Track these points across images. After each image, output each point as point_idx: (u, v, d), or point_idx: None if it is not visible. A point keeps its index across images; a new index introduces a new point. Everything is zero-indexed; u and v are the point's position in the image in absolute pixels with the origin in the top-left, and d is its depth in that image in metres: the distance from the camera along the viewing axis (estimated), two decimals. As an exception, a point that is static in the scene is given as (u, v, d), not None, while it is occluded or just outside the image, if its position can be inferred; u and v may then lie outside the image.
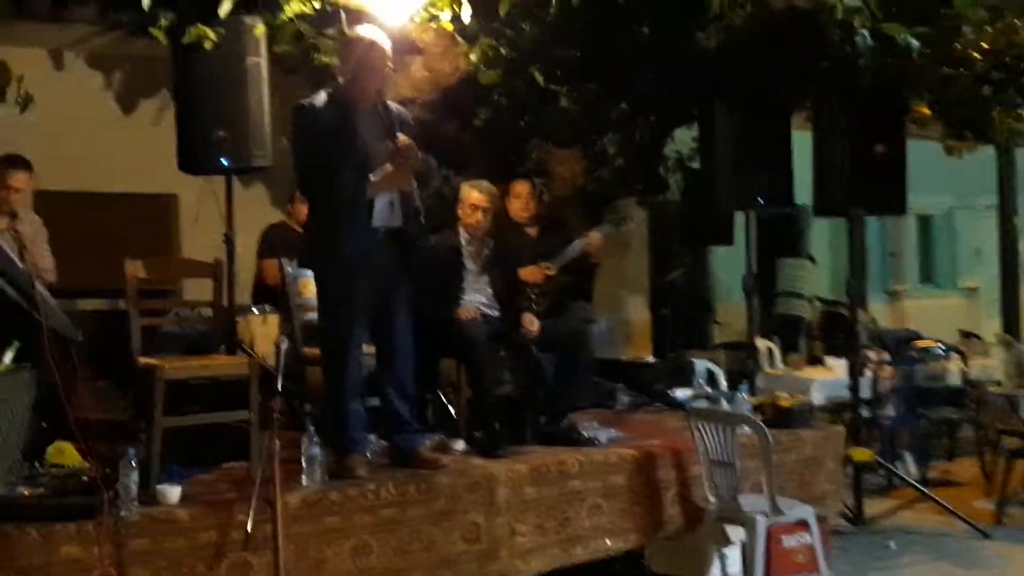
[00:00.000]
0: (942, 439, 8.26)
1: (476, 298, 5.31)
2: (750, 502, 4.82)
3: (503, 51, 5.65)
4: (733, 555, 5.04)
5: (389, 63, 4.51)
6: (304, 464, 4.23)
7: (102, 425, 4.62)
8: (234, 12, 5.16)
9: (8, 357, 3.84)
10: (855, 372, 6.69)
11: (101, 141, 7.19)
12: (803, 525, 4.86)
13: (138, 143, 6.98)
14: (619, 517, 4.88)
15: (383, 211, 4.42)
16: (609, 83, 6.51)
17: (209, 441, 4.60)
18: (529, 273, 6.24)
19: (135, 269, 4.60)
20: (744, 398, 5.62)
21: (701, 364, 7.79)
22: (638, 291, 11.47)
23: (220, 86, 5.40)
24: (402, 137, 4.38)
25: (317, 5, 5.19)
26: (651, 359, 7.63)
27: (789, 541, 4.84)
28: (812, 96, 6.61)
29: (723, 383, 7.24)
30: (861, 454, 6.46)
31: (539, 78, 6.04)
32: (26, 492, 3.70)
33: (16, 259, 3.92)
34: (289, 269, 5.17)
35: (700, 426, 4.88)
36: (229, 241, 5.56)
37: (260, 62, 5.45)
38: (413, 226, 4.53)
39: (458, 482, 4.42)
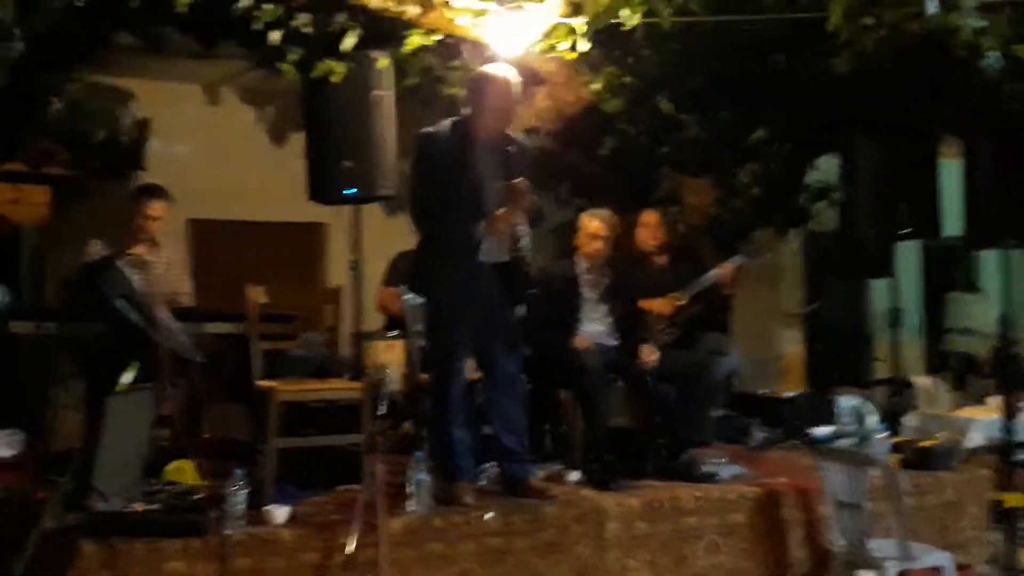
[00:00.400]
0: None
1: (594, 328, 5.24)
2: (880, 546, 4.54)
3: (626, 80, 5.55)
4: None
5: (517, 102, 4.52)
6: (410, 489, 4.23)
7: (222, 445, 4.78)
8: (359, 46, 5.26)
9: (127, 377, 3.98)
10: (1009, 411, 6.25)
11: (254, 172, 7.47)
12: (937, 572, 4.55)
13: (288, 174, 7.18)
14: (739, 557, 4.69)
15: (491, 247, 4.42)
16: (741, 111, 6.34)
17: (325, 464, 4.66)
18: (657, 304, 6.13)
19: (256, 294, 4.73)
20: (882, 438, 5.32)
21: (847, 401, 7.45)
22: (792, 324, 11.14)
23: (347, 118, 5.51)
24: (518, 180, 4.36)
25: (438, 37, 5.22)
26: (791, 394, 7.32)
27: (926, 588, 4.57)
28: (958, 123, 6.27)
29: (871, 421, 6.90)
30: (1014, 499, 6.02)
31: (666, 106, 5.93)
32: (139, 508, 3.81)
33: (135, 283, 4.04)
34: (407, 296, 5.20)
35: (827, 465, 4.65)
36: (355, 268, 5.65)
37: (386, 95, 5.55)
38: (518, 259, 4.50)
39: (565, 513, 4.34)
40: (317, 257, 7.85)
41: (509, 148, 4.49)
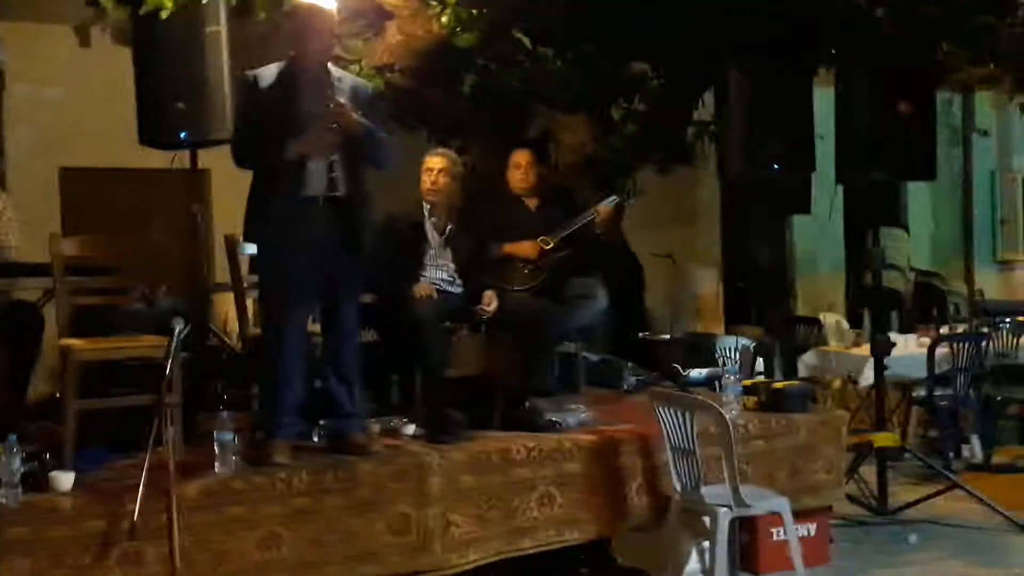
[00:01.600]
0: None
1: (436, 275, 5.04)
2: (714, 493, 4.42)
3: (475, 12, 5.28)
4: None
5: (332, 28, 4.29)
6: (216, 450, 4.04)
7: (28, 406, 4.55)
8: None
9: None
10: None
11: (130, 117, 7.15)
12: (776, 518, 4.46)
13: None
14: (575, 507, 4.56)
15: (318, 179, 4.18)
16: (608, 44, 6.09)
17: (137, 425, 4.44)
18: (522, 247, 5.96)
19: (64, 246, 4.47)
20: (734, 379, 5.19)
21: (729, 341, 7.35)
22: (709, 264, 11.02)
23: (179, 56, 5.22)
24: (340, 102, 4.13)
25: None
26: (667, 336, 7.19)
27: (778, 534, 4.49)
28: (832, 49, 6.07)
29: (745, 362, 6.80)
30: (884, 439, 5.95)
31: (524, 40, 5.67)
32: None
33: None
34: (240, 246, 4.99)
35: (661, 410, 4.51)
36: (195, 218, 5.41)
37: (220, 30, 5.25)
38: (361, 194, 4.28)
39: (382, 470, 4.16)
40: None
41: (331, 76, 4.26)
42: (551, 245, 6.03)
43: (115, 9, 5.11)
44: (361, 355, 4.42)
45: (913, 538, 5.57)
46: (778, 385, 5.24)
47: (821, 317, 9.09)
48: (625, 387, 6.32)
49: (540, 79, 5.99)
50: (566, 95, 6.21)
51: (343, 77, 4.35)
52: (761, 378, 5.59)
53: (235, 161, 4.28)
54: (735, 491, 4.31)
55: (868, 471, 6.04)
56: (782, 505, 4.49)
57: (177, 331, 3.78)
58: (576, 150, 6.64)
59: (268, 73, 4.27)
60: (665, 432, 4.51)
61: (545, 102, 6.39)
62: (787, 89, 6.06)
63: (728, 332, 9.38)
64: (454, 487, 4.28)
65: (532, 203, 6.22)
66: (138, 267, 5.33)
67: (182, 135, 5.21)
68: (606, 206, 6.17)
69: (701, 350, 6.96)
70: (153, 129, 5.32)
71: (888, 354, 6.16)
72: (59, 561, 3.61)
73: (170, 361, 3.72)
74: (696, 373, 6.37)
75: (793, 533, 4.47)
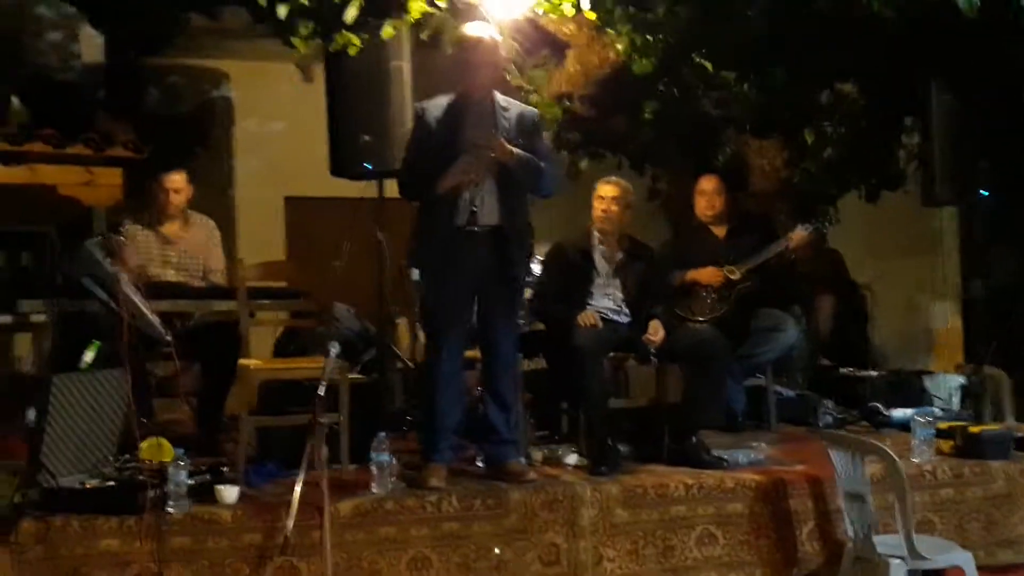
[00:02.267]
0: None
1: (602, 303, 4.97)
2: (888, 542, 4.12)
3: (650, 38, 5.21)
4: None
5: (498, 60, 4.36)
6: (374, 471, 4.14)
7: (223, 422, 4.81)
8: (370, 16, 5.16)
9: (89, 356, 4.05)
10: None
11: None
12: (957, 572, 4.11)
13: None
14: (739, 549, 4.36)
15: (464, 209, 4.24)
16: (801, 67, 5.86)
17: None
18: (705, 275, 5.82)
19: (247, 271, 4.72)
20: (927, 421, 4.84)
21: (942, 380, 6.86)
22: (946, 297, 10.40)
23: (365, 91, 5.45)
24: (495, 134, 4.20)
25: (442, 4, 5.04)
26: (873, 373, 6.78)
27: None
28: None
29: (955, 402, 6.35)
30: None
31: (706, 65, 5.55)
32: (88, 484, 3.87)
33: (103, 262, 4.11)
34: (412, 272, 5.11)
35: (833, 452, 4.26)
36: (382, 244, 5.60)
37: (403, 65, 5.44)
38: (515, 224, 4.32)
39: (533, 498, 4.13)
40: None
41: (503, 112, 4.32)
42: (738, 275, 5.85)
43: (305, 47, 5.34)
44: (522, 383, 4.42)
45: None
46: (975, 429, 4.84)
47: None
48: (820, 425, 6.04)
49: (726, 104, 5.81)
50: (755, 119, 6.00)
51: (510, 106, 4.39)
52: (962, 421, 5.16)
53: (400, 191, 4.40)
54: (909, 541, 4.00)
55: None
56: (965, 560, 4.13)
57: (333, 353, 3.90)
58: (769, 176, 6.42)
59: (437, 105, 4.37)
60: (837, 475, 4.25)
61: (735, 127, 6.20)
62: (994, 108, 5.63)
63: (959, 370, 8.78)
64: (607, 521, 4.19)
65: (719, 231, 6.06)
66: (325, 292, 5.58)
67: (368, 165, 5.42)
68: (799, 234, 5.93)
69: (909, 388, 6.54)
70: (342, 160, 5.58)
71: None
72: (218, 572, 3.79)
73: (324, 382, 3.83)
74: (899, 413, 6.01)
75: (981, 591, 4.10)
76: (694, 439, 4.72)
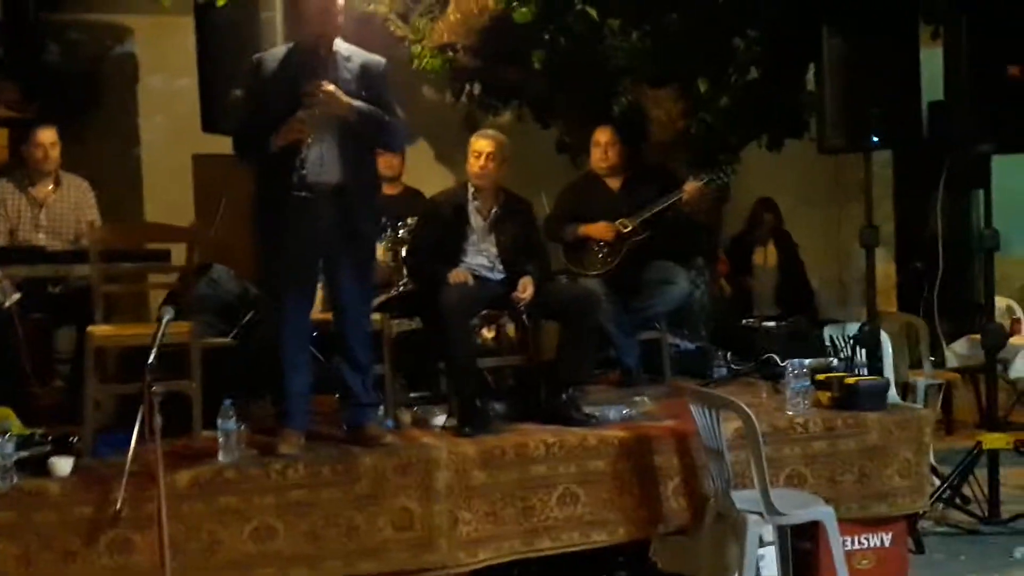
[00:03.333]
0: None
1: (476, 260, 4.84)
2: (746, 497, 4.05)
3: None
4: (769, 556, 4.29)
5: (333, 7, 4.14)
6: (220, 438, 4.02)
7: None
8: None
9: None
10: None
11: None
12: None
13: None
14: (602, 508, 4.28)
15: (313, 164, 4.06)
16: (695, 14, 5.68)
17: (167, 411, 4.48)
18: (597, 229, 5.72)
19: (100, 233, 4.56)
20: (799, 370, 4.76)
21: (842, 329, 6.78)
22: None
23: (236, 44, 5.26)
24: (325, 84, 4.00)
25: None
26: (770, 324, 6.69)
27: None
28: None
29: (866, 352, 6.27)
30: (995, 440, 5.34)
31: (591, 12, 5.37)
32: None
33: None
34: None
35: (694, 407, 4.17)
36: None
37: (274, 15, 5.26)
38: (360, 180, 4.16)
39: (385, 463, 4.02)
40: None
41: (345, 61, 4.14)
42: (630, 228, 5.75)
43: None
44: (393, 342, 4.30)
45: (1020, 552, 4.96)
46: (851, 380, 4.76)
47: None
48: (714, 377, 5.96)
49: (614, 53, 5.64)
50: (649, 69, 5.84)
51: (353, 55, 4.18)
52: (839, 372, 5.08)
53: (234, 150, 4.22)
54: (765, 496, 3.93)
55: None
56: (826, 514, 4.07)
57: (165, 319, 3.75)
58: (667, 126, 6.28)
59: (274, 56, 4.18)
60: (697, 431, 4.17)
61: (632, 77, 6.03)
62: (887, 52, 5.47)
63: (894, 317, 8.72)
64: (463, 483, 4.10)
65: (614, 183, 5.95)
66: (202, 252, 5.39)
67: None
68: (692, 185, 5.82)
69: (808, 339, 6.45)
70: (214, 116, 5.40)
71: (1002, 346, 5.51)
72: (47, 546, 3.66)
73: (155, 348, 3.69)
74: (795, 363, 5.93)
75: (838, 544, 4.04)
76: (565, 396, 4.61)
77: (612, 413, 4.65)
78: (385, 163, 6.29)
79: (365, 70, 4.17)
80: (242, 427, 4.06)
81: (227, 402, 4.06)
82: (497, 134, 4.93)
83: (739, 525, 3.99)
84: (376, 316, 4.60)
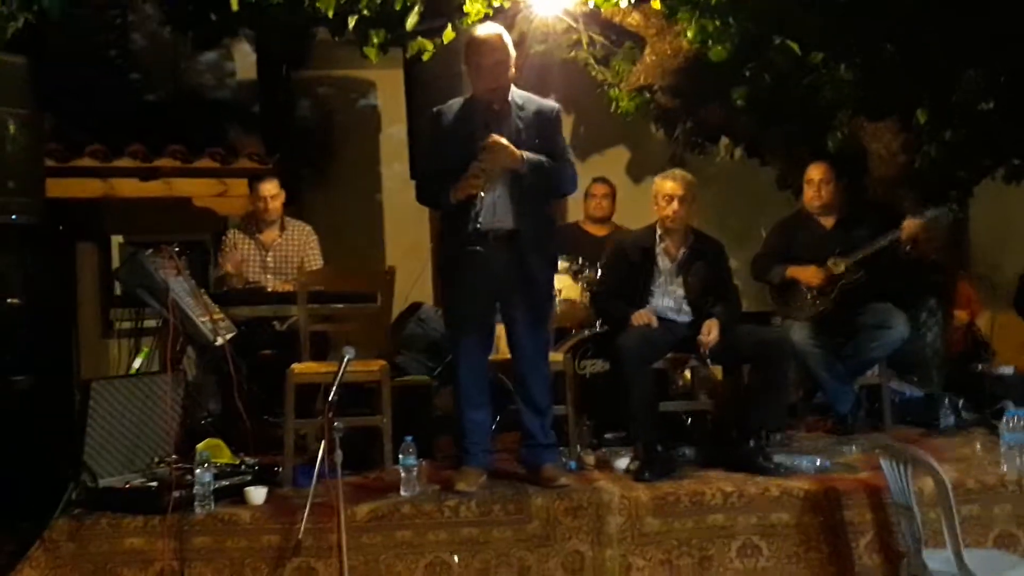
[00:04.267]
0: None
1: (663, 302, 4.78)
2: (939, 557, 3.75)
3: (719, 24, 4.94)
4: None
5: (504, 59, 4.24)
6: (401, 473, 4.17)
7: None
8: (424, 21, 5.19)
9: (138, 361, 4.29)
10: None
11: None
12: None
13: None
14: (787, 562, 4.10)
15: (487, 212, 4.18)
16: (910, 45, 5.38)
17: (367, 445, 4.69)
18: (805, 273, 5.51)
19: (305, 277, 4.86)
20: (1017, 422, 4.37)
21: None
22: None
23: (441, 95, 5.47)
24: (497, 138, 4.11)
25: (497, 4, 4.98)
26: (1008, 370, 6.14)
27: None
28: None
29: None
30: None
31: (793, 47, 5.21)
32: (126, 484, 4.09)
33: (155, 273, 4.34)
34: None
35: (884, 463, 3.92)
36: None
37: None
38: (532, 227, 4.24)
39: (555, 505, 4.04)
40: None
41: (521, 110, 4.25)
42: (842, 268, 5.49)
43: (377, 57, 5.40)
44: (550, 384, 4.34)
45: None
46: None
47: None
48: (941, 427, 5.58)
49: (822, 86, 5.43)
50: (858, 102, 5.57)
51: (527, 103, 4.27)
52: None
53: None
54: (958, 558, 3.62)
55: None
56: (1030, 579, 3.70)
57: (346, 359, 3.94)
58: (887, 161, 5.96)
59: (451, 108, 4.32)
60: (888, 487, 3.91)
61: (847, 110, 5.77)
62: None
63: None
64: (637, 529, 4.04)
65: (827, 221, 5.71)
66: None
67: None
68: (912, 222, 5.48)
69: (1037, 385, 5.91)
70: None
71: None
72: (238, 571, 3.92)
73: (335, 386, 3.88)
74: (1012, 414, 5.44)
75: (1047, 617, 3.66)
76: (753, 443, 4.46)
77: (805, 463, 4.44)
78: (595, 204, 6.38)
79: (538, 116, 4.25)
80: (422, 463, 4.20)
81: (408, 439, 4.21)
82: (684, 174, 4.87)
83: (930, 588, 3.70)
84: (558, 357, 4.63)
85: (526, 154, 4.10)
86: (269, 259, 5.87)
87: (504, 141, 4.07)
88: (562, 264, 5.44)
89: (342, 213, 7.93)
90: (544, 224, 4.29)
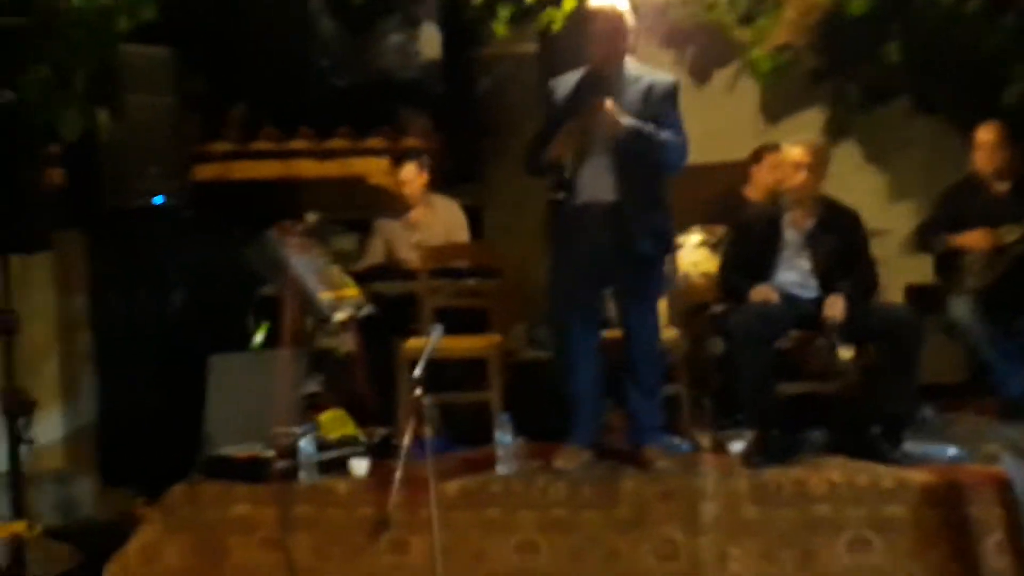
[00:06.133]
0: None
1: (787, 276, 4.51)
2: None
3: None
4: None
5: (620, 29, 4.14)
6: (498, 451, 4.18)
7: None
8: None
9: (259, 336, 4.50)
10: None
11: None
12: None
13: (714, 113, 6.26)
14: (903, 558, 3.78)
15: (587, 184, 4.09)
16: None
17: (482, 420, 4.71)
18: (970, 239, 5.07)
19: (424, 252, 4.93)
20: None
21: None
22: None
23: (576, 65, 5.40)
24: (604, 102, 4.01)
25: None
26: None
27: None
28: None
29: None
30: None
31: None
32: (243, 454, 4.30)
33: (277, 250, 4.52)
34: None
35: (1008, 459, 3.57)
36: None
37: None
38: (636, 201, 4.11)
39: (646, 490, 3.92)
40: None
41: (635, 82, 4.15)
42: (1016, 237, 5.00)
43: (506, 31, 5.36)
44: (660, 363, 4.21)
45: None
46: None
47: None
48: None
49: (984, 38, 4.92)
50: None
51: (642, 76, 4.16)
52: None
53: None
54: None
55: None
56: None
57: (434, 336, 3.95)
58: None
59: (566, 81, 4.26)
60: (1011, 485, 3.55)
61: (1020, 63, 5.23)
62: None
63: None
64: (734, 517, 3.85)
65: (1001, 187, 5.22)
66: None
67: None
68: None
69: None
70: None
71: None
72: (336, 540, 4.05)
73: (422, 362, 3.90)
74: None
75: None
76: (877, 430, 4.15)
77: (937, 452, 4.09)
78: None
79: (651, 90, 4.12)
80: (519, 440, 4.17)
81: (504, 416, 4.19)
82: (811, 140, 4.58)
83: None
84: (671, 335, 4.47)
85: (630, 120, 3.97)
86: (416, 238, 5.97)
87: (610, 105, 3.96)
88: (699, 236, 5.25)
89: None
90: (650, 198, 4.14)
